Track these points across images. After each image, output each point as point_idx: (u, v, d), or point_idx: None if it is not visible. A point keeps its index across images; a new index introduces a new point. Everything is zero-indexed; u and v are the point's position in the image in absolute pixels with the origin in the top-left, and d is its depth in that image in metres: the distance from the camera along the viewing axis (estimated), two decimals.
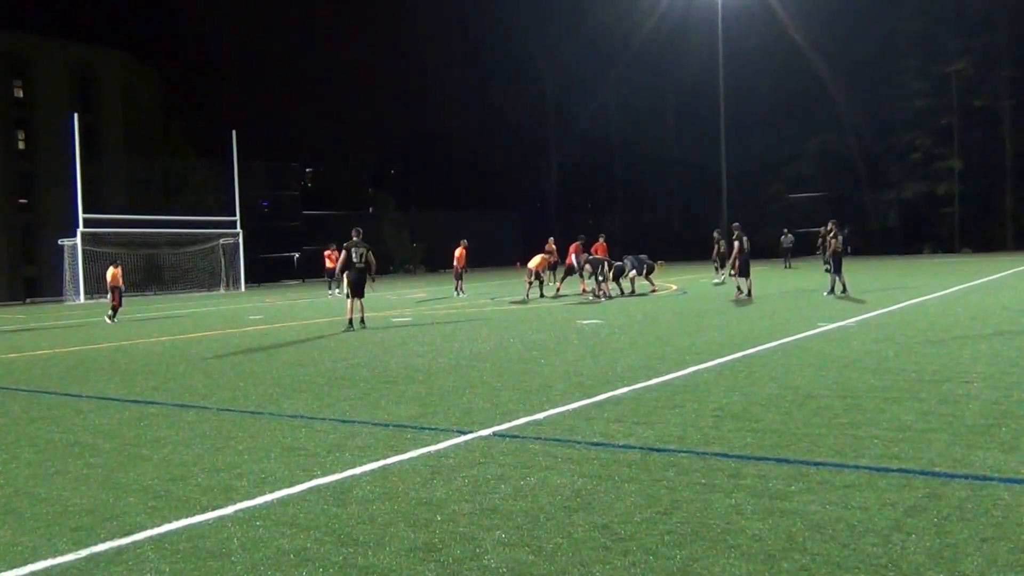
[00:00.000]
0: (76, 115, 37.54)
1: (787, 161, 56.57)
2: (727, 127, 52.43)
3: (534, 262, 23.48)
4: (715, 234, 27.40)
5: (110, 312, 21.71)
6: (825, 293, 19.38)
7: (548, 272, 24.80)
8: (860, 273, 29.84)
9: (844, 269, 19.79)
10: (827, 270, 19.58)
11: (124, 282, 22.23)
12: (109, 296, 22.23)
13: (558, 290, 24.63)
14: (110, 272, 21.95)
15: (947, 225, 51.22)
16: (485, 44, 62.14)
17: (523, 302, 22.05)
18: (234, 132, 41.82)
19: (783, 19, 52.38)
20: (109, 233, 37.72)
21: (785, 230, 40.49)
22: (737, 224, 20.43)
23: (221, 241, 42.23)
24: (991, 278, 24.03)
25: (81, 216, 36.28)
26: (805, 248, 41.10)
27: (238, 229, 41.91)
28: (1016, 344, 10.15)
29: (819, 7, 50.04)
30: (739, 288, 19.71)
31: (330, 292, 30.14)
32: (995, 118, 49.36)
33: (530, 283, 23.36)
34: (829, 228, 20.21)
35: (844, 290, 19.31)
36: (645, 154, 61.69)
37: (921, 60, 50.17)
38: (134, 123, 53.49)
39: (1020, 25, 46.74)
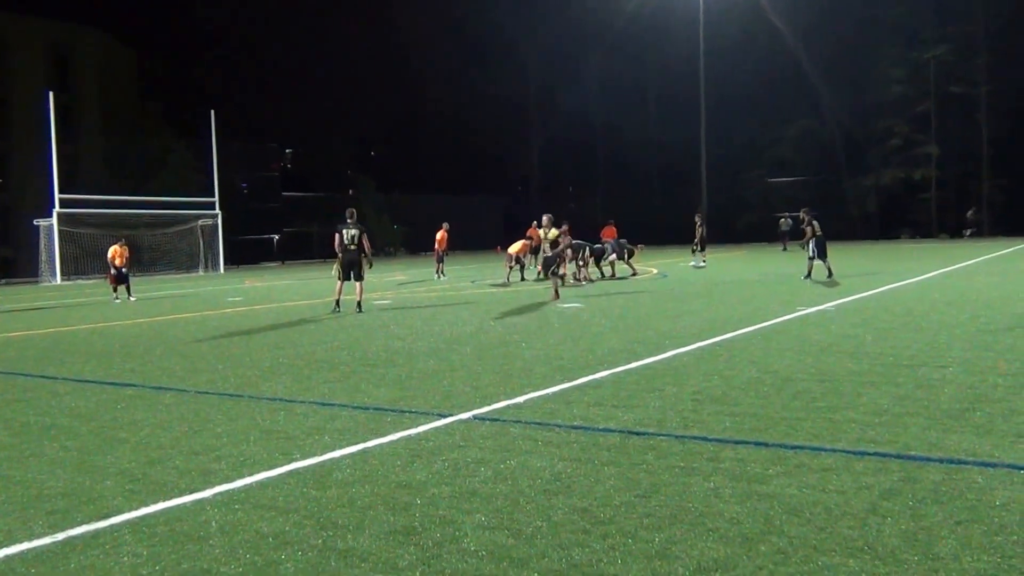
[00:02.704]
0: (52, 94, 36.95)
1: (767, 146, 56.77)
2: (708, 111, 52.55)
3: (515, 247, 23.47)
4: (696, 218, 27.57)
5: (115, 294, 21.74)
6: (803, 277, 19.55)
7: (530, 256, 24.79)
8: (839, 258, 30.03)
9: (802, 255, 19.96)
10: (810, 257, 19.71)
11: (118, 261, 21.81)
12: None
13: (539, 274, 24.62)
14: (112, 250, 21.94)
15: (924, 211, 51.66)
16: (467, 27, 61.67)
17: (503, 285, 22.05)
18: (212, 112, 41.37)
19: (764, 4, 52.42)
20: (86, 214, 37.26)
21: (785, 214, 41.39)
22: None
23: (200, 222, 41.85)
24: (967, 263, 24.30)
25: (57, 196, 35.80)
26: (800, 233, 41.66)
27: (217, 210, 41.55)
28: (991, 329, 10.27)
29: None
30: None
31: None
32: (972, 104, 49.77)
33: (510, 267, 23.38)
34: (801, 217, 20.38)
35: (829, 275, 19.49)
36: (627, 138, 61.68)
37: (900, 46, 50.42)
38: (111, 102, 52.71)
39: (997, 12, 47.08)
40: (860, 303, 14.13)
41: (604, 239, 24.86)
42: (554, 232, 18.06)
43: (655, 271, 25.94)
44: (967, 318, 11.43)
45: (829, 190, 53.95)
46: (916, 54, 49.97)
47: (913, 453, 5.10)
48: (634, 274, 23.84)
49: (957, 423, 5.77)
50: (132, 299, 21.46)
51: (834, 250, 21.53)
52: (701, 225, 27.20)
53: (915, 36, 49.70)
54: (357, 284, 15.68)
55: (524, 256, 23.97)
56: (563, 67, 62.98)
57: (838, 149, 55.57)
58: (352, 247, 15.57)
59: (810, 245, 19.65)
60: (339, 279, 15.81)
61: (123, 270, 21.67)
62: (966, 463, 4.86)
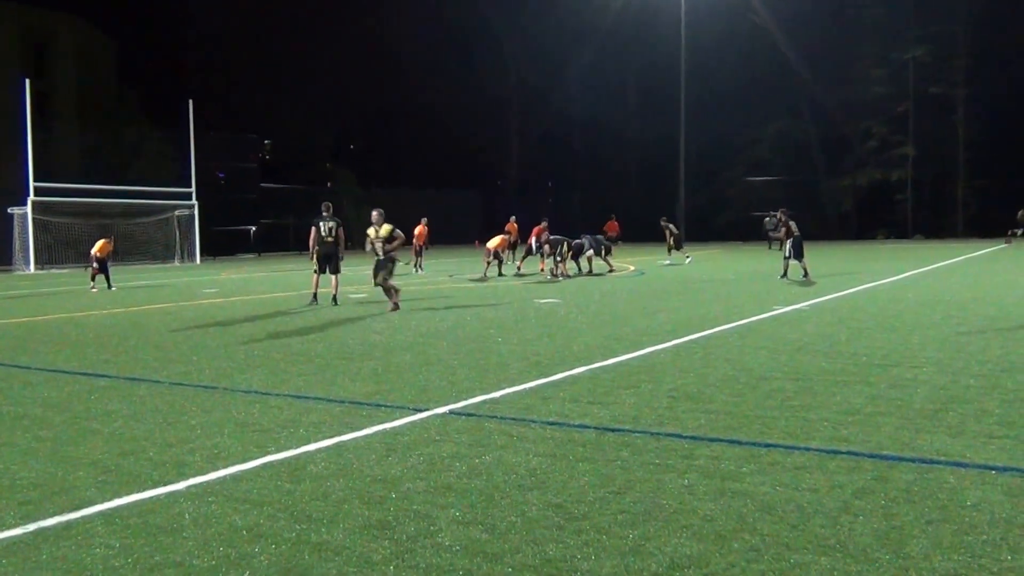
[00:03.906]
0: (28, 80, 36.38)
1: (746, 146, 57.13)
2: (688, 111, 52.73)
3: (493, 242, 23.48)
4: (662, 222, 28.44)
5: (92, 283, 21.83)
6: (780, 276, 19.71)
7: (507, 252, 24.79)
8: (815, 258, 30.29)
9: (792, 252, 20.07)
10: (785, 256, 19.89)
11: (98, 253, 22.06)
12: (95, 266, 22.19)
13: (519, 269, 24.65)
14: (100, 244, 22.20)
15: (900, 211, 52.20)
16: (449, 21, 61.43)
17: (481, 280, 22.04)
18: (191, 102, 40.95)
19: (746, 4, 52.72)
20: (61, 202, 36.76)
21: (771, 213, 41.76)
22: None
23: (176, 213, 41.42)
24: (942, 264, 24.59)
25: (32, 184, 35.29)
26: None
27: (194, 201, 41.15)
28: (964, 330, 10.40)
29: None
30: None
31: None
32: (949, 106, 50.25)
33: (488, 262, 23.37)
34: (780, 218, 20.59)
35: (805, 275, 19.61)
36: (607, 135, 61.80)
37: (879, 46, 50.80)
38: (88, 90, 52.00)
39: (977, 14, 47.51)
40: (835, 303, 14.26)
41: (608, 233, 25.28)
42: (386, 228, 14.40)
43: (632, 268, 26.03)
44: (940, 319, 11.57)
45: (806, 190, 54.41)
46: (896, 55, 50.38)
47: (886, 453, 5.15)
48: (611, 271, 23.90)
49: (930, 423, 5.84)
50: (113, 288, 21.53)
51: (810, 250, 21.68)
52: (667, 228, 28.04)
53: (895, 37, 50.09)
54: (333, 277, 15.64)
55: (503, 251, 24.00)
56: (545, 64, 62.94)
57: (816, 149, 56.02)
58: (329, 239, 15.54)
59: (787, 245, 19.82)
60: (316, 272, 15.73)
61: (106, 262, 21.92)
62: (938, 463, 4.92)
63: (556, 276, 21.89)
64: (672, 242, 28.31)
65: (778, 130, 55.88)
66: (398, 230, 14.53)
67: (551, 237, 22.80)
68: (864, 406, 6.39)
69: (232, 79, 56.29)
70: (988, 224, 47.01)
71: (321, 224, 15.50)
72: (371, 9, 59.87)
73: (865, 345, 9.34)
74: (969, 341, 9.51)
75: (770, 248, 38.48)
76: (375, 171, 63.23)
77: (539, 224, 24.56)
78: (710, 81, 53.85)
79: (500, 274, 23.54)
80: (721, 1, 52.65)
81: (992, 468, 4.79)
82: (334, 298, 15.66)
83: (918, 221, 52.13)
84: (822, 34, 50.70)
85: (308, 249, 16.09)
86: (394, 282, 14.69)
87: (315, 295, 15.74)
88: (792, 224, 19.70)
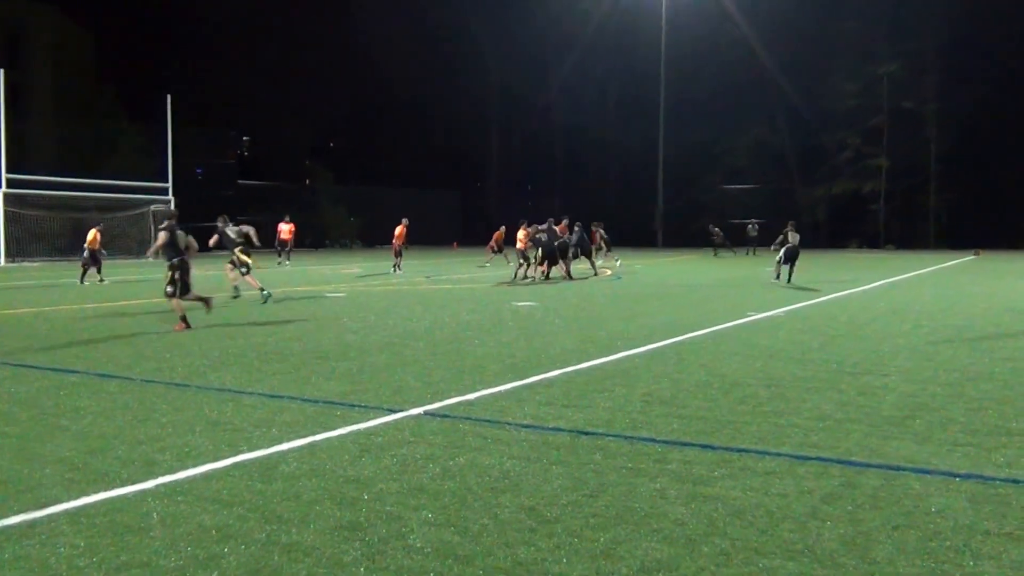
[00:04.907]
0: (2, 71, 35.85)
1: (723, 153, 57.58)
2: (667, 118, 53.08)
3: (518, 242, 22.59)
4: (593, 225, 28.74)
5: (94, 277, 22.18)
6: (773, 279, 20.73)
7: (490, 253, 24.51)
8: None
9: (762, 261, 20.86)
10: (778, 260, 20.74)
11: (89, 246, 22.30)
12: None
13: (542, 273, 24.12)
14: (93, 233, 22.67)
15: (872, 222, 52.81)
16: (431, 22, 61.23)
17: (527, 280, 21.64)
18: (169, 96, 40.56)
19: (725, 15, 53.22)
20: (34, 195, 36.26)
21: (753, 221, 43.04)
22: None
23: (152, 208, 40.97)
24: (912, 274, 24.90)
25: (4, 176, 34.77)
26: (768, 238, 43.38)
27: (170, 196, 40.74)
28: (932, 339, 10.55)
29: (761, 3, 51.00)
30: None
31: (279, 261, 31.89)
32: (921, 120, 51.06)
33: (524, 262, 22.43)
34: (786, 230, 21.39)
35: (788, 280, 20.42)
36: (586, 139, 61.96)
37: (854, 61, 51.54)
38: (64, 82, 51.27)
39: (948, 32, 48.41)
40: (808, 310, 14.40)
41: (592, 242, 25.58)
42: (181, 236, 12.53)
43: (609, 272, 26.11)
44: (910, 328, 11.72)
45: (782, 199, 55.00)
46: (870, 69, 51.12)
47: (854, 459, 5.22)
48: (595, 274, 24.22)
49: (897, 430, 5.92)
50: (104, 281, 21.90)
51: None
52: (598, 231, 28.69)
53: (870, 52, 50.85)
54: (248, 276, 16.84)
55: (526, 250, 23.30)
56: (527, 69, 63.09)
57: (791, 159, 56.61)
58: (240, 241, 17.04)
59: (781, 251, 20.65)
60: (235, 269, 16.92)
61: (97, 253, 22.23)
62: (904, 470, 4.99)
63: (532, 277, 21.87)
64: (604, 245, 28.96)
65: (755, 139, 56.39)
66: (191, 237, 12.67)
67: (534, 239, 22.49)
68: (834, 412, 6.46)
69: (211, 74, 55.76)
70: (957, 236, 47.77)
71: (228, 231, 16.95)
72: (352, 9, 59.63)
73: (836, 352, 9.45)
74: (937, 351, 9.65)
75: (749, 254, 38.80)
76: (354, 169, 62.96)
77: (523, 227, 24.30)
78: (689, 89, 54.33)
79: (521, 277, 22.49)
80: (701, 12, 53.24)
81: (956, 475, 4.87)
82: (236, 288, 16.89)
83: (890, 231, 52.82)
84: (800, 47, 51.37)
85: (275, 247, 17.74)
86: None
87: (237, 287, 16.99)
88: (787, 233, 20.67)
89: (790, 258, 20.56)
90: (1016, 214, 39.05)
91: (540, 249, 22.36)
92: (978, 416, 6.34)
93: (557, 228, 23.77)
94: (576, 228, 25.18)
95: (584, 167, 63.68)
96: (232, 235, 16.85)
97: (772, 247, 21.87)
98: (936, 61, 49.77)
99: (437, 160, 65.27)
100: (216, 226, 17.07)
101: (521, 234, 22.82)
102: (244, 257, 16.73)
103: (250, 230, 17.98)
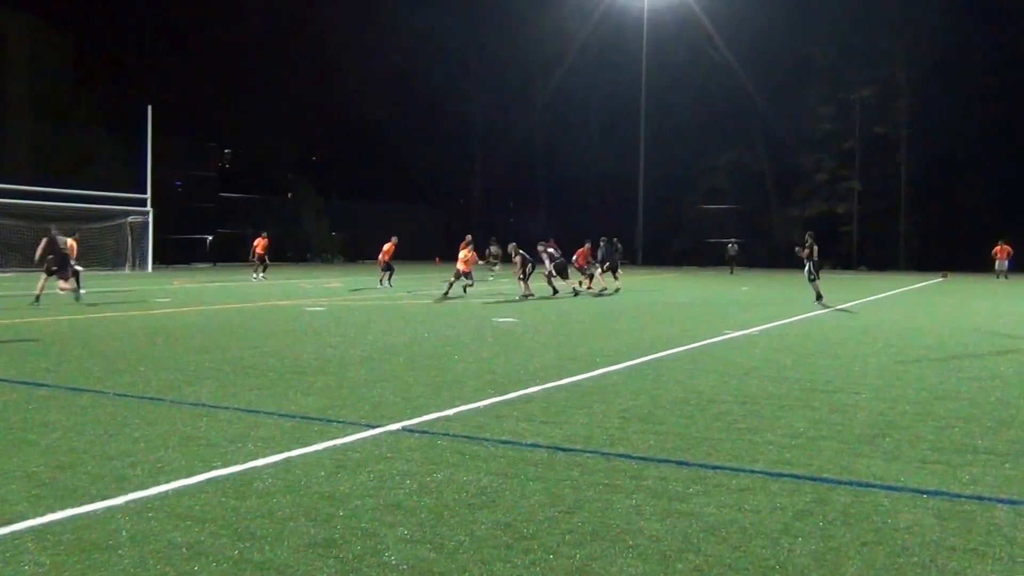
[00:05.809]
0: None
1: (702, 174, 58.24)
2: (647, 139, 53.64)
3: (464, 258, 22.61)
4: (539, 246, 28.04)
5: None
6: (814, 300, 20.51)
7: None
8: (763, 285, 30.91)
9: (740, 279, 20.90)
10: (811, 279, 20.86)
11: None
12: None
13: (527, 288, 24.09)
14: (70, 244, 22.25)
15: (845, 243, 53.49)
16: (415, 42, 61.42)
17: (525, 297, 21.57)
18: (150, 107, 40.32)
19: (705, 39, 54.13)
20: (8, 204, 35.84)
21: (732, 240, 43.80)
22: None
23: (130, 219, 40.61)
24: (883, 295, 25.20)
25: None
26: (746, 258, 46.85)
27: (148, 207, 40.41)
28: (902, 359, 10.68)
29: (740, 30, 51.92)
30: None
31: (255, 276, 31.62)
32: (893, 145, 52.12)
33: (521, 278, 22.32)
34: (805, 239, 21.50)
35: (820, 297, 20.59)
36: (568, 158, 62.37)
37: (828, 86, 52.63)
38: (42, 90, 50.84)
39: (918, 60, 49.65)
40: (783, 329, 14.53)
41: (577, 264, 25.67)
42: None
43: (591, 289, 26.18)
44: (881, 347, 11.87)
45: (758, 219, 55.69)
46: (843, 95, 52.22)
47: (826, 476, 5.28)
48: (588, 288, 24.49)
49: (867, 448, 5.99)
50: (82, 291, 21.30)
51: (760, 277, 22.27)
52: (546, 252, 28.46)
53: (843, 78, 51.96)
54: (62, 280, 18.33)
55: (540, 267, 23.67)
56: (509, 89, 63.62)
57: (768, 180, 57.38)
58: (64, 251, 18.57)
59: (808, 264, 20.98)
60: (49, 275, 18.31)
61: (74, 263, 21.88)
62: (874, 487, 5.05)
63: (526, 295, 21.80)
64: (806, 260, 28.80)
65: (732, 161, 57.10)
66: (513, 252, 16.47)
67: (522, 254, 22.51)
68: (807, 430, 6.53)
69: (193, 86, 55.51)
70: (927, 258, 48.49)
71: (57, 238, 18.59)
72: (336, 25, 59.72)
73: (809, 371, 9.55)
74: (906, 370, 9.77)
75: (730, 274, 39.34)
76: (336, 183, 62.87)
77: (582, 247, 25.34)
78: (669, 111, 55.14)
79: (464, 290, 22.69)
80: (681, 36, 54.21)
81: (924, 492, 4.94)
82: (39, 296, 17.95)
83: (863, 253, 53.53)
84: (777, 72, 52.45)
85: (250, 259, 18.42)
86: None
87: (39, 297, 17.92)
88: (803, 247, 21.00)
89: (813, 272, 20.60)
90: (983, 238, 39.79)
91: (553, 265, 22.86)
92: (945, 434, 6.44)
93: (579, 252, 25.24)
94: (601, 243, 25.57)
95: (566, 186, 64.05)
96: (59, 244, 18.74)
97: (805, 261, 21.32)
98: (907, 86, 50.86)
99: (419, 176, 65.33)
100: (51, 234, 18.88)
101: (463, 254, 22.69)
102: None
103: (73, 243, 20.07)
